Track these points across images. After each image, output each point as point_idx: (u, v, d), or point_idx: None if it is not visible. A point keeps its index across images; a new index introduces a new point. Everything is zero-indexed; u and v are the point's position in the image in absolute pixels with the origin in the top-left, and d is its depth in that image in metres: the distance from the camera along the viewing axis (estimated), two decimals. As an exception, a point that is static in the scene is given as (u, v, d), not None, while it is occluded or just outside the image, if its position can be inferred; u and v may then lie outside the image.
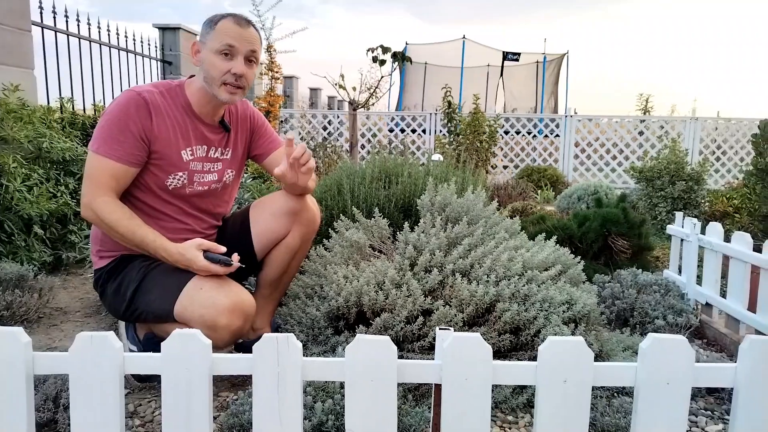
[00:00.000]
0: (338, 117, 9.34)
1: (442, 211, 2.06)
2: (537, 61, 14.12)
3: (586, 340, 1.72)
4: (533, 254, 1.91)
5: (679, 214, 2.62)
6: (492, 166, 7.74)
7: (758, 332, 2.00)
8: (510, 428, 1.53)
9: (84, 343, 1.00)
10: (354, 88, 4.67)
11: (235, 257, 1.61)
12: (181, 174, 1.70)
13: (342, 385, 1.05)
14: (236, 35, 1.63)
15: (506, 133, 8.84)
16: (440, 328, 1.04)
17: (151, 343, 1.71)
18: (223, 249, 1.60)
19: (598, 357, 1.79)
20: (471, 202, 2.04)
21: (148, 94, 1.63)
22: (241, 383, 1.72)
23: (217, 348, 1.33)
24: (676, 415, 1.00)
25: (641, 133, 8.66)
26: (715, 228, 2.30)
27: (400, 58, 4.39)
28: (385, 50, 4.28)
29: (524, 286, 1.75)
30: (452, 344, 0.99)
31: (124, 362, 1.02)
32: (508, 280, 1.75)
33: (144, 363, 1.04)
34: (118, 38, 5.57)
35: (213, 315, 1.49)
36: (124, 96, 1.62)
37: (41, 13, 4.30)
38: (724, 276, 2.28)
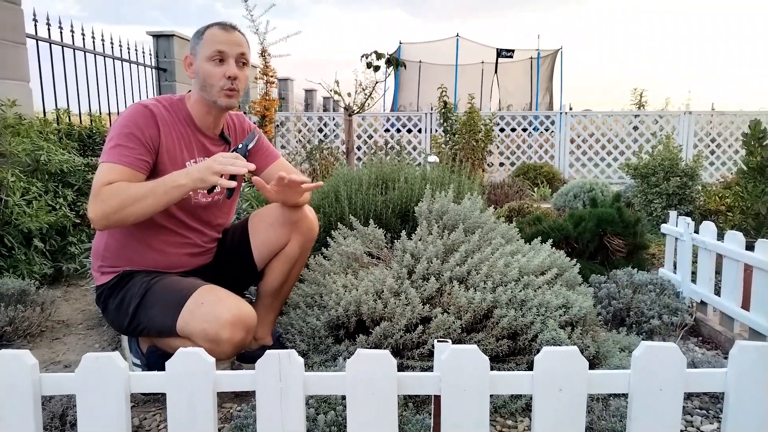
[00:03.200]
0: (334, 119, 9.35)
1: (439, 218, 2.09)
2: (531, 58, 14.15)
3: (582, 342, 1.76)
4: (529, 259, 1.93)
5: (673, 213, 2.64)
6: (488, 165, 7.76)
7: (752, 330, 2.02)
8: (509, 432, 1.56)
9: (90, 364, 1.02)
10: (349, 94, 4.69)
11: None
12: None
13: (344, 397, 1.08)
14: (224, 40, 1.69)
15: (501, 130, 8.88)
16: (438, 340, 1.06)
17: (155, 356, 1.74)
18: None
19: (595, 358, 1.82)
20: (468, 209, 2.07)
21: (154, 107, 1.68)
22: (244, 394, 1.74)
23: (219, 360, 1.35)
24: (670, 419, 1.03)
25: (636, 128, 8.70)
26: (709, 227, 2.32)
27: (395, 63, 4.41)
28: (379, 56, 4.31)
29: (521, 291, 1.77)
30: (450, 356, 1.01)
31: (129, 381, 1.04)
32: (505, 286, 1.78)
33: (149, 382, 1.06)
34: (112, 47, 5.59)
35: (215, 329, 1.51)
36: (131, 109, 1.67)
37: (35, 25, 4.32)
38: (719, 273, 2.31)
